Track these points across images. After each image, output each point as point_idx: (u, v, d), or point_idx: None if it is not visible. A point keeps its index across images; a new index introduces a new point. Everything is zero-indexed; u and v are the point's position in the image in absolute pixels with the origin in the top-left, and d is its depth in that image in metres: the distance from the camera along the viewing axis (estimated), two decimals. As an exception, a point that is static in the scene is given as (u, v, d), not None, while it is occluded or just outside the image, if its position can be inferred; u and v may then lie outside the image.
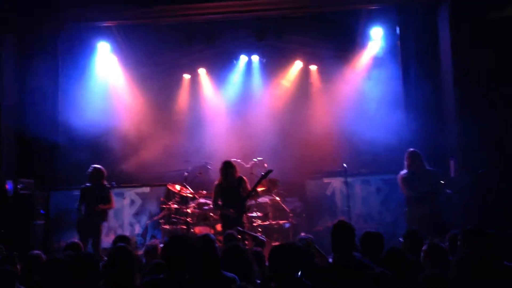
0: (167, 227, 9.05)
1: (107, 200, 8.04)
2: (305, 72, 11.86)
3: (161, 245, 6.79)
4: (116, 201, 9.55)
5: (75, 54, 10.32)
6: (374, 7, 10.00)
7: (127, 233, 9.13)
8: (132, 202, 9.58)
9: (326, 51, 11.12)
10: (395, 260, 3.73)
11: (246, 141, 10.94)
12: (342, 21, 10.58)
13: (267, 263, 5.21)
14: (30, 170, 9.33)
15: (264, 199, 9.29)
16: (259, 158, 9.50)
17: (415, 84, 9.40)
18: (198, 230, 8.53)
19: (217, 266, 3.80)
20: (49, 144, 9.39)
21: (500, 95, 8.10)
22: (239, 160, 9.13)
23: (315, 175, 9.75)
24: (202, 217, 8.90)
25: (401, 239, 5.40)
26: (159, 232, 9.09)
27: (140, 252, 6.25)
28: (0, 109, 8.95)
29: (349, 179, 8.46)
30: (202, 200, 9.09)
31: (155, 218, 9.31)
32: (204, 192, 9.35)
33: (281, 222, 9.18)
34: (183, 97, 12.03)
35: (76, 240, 6.12)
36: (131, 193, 9.61)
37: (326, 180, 9.50)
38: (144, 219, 9.48)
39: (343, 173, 8.39)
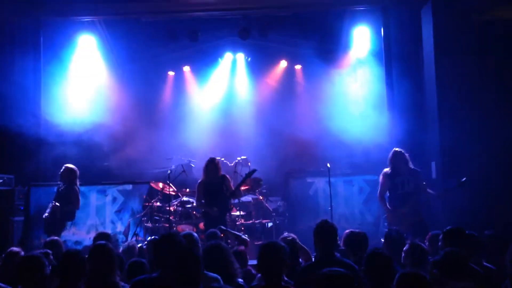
0: (149, 225, 9.00)
1: (68, 201, 7.88)
2: (289, 72, 11.90)
3: (140, 244, 6.79)
4: (98, 198, 9.49)
5: (58, 48, 10.19)
6: (358, 8, 10.07)
7: (109, 230, 9.05)
8: (114, 199, 9.50)
9: (311, 50, 11.17)
10: (378, 262, 3.75)
11: (230, 139, 10.94)
12: (327, 21, 10.64)
13: (249, 262, 5.24)
14: (10, 165, 9.19)
15: (247, 198, 9.30)
16: (242, 157, 9.51)
17: (398, 85, 9.47)
18: (180, 228, 8.49)
19: (198, 266, 3.78)
20: (30, 140, 9.26)
21: (482, 98, 8.20)
22: (222, 159, 9.13)
23: (298, 175, 9.77)
24: (184, 215, 8.88)
25: (382, 239, 5.44)
26: (141, 230, 9.03)
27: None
28: (-20, 103, 8.82)
29: (332, 179, 8.48)
30: (185, 198, 9.06)
31: (138, 216, 9.25)
32: (187, 190, 9.33)
33: (264, 221, 9.20)
34: (167, 94, 11.99)
35: (55, 238, 6.05)
36: (113, 190, 9.52)
37: (309, 180, 9.52)
38: (126, 217, 9.40)
39: (326, 173, 8.42)
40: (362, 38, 10.58)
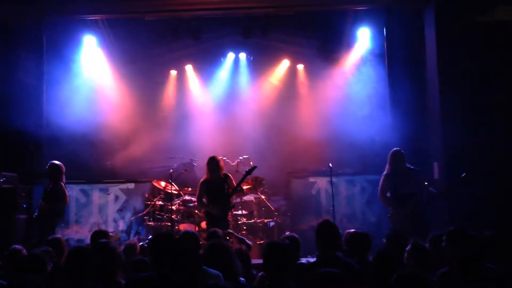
0: (151, 223, 9.01)
1: (56, 198, 7.84)
2: (292, 71, 11.88)
3: (141, 243, 6.79)
4: (100, 197, 9.51)
5: (61, 47, 10.21)
6: (361, 8, 10.06)
7: (110, 229, 9.08)
8: (117, 198, 9.52)
9: (313, 50, 11.16)
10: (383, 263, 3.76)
11: (232, 138, 10.93)
12: (330, 21, 10.63)
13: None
14: (13, 164, 9.21)
15: (249, 197, 9.30)
16: (245, 156, 9.51)
17: (400, 85, 9.46)
18: (182, 227, 8.50)
19: (197, 265, 3.78)
20: (33, 138, 9.29)
21: (484, 98, 8.19)
22: (224, 158, 9.12)
23: (301, 174, 9.78)
24: (186, 214, 8.89)
25: (384, 240, 5.44)
26: (143, 229, 9.06)
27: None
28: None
29: (334, 179, 8.51)
30: (187, 197, 9.07)
31: (140, 214, 9.27)
32: (189, 189, 9.34)
33: (266, 220, 9.21)
34: (169, 93, 11.98)
35: (57, 236, 6.06)
36: (115, 189, 9.55)
37: (311, 179, 9.53)
38: (129, 216, 9.43)
39: (329, 172, 8.43)
40: (364, 38, 10.57)
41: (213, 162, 7.63)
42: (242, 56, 11.88)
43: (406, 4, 9.44)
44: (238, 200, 8.61)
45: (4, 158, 9.28)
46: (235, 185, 7.67)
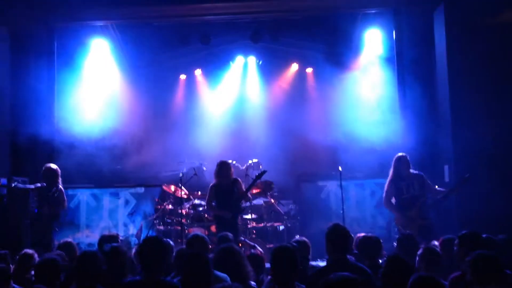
0: (161, 227, 9.04)
1: (57, 202, 7.82)
2: (301, 75, 11.89)
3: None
4: (110, 201, 9.56)
5: (72, 53, 10.29)
6: (370, 11, 10.03)
7: (121, 233, 9.11)
8: (127, 202, 9.56)
9: (322, 54, 11.16)
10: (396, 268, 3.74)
11: (242, 142, 10.95)
12: (338, 24, 10.61)
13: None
14: (25, 168, 9.27)
15: (258, 201, 9.29)
16: (254, 160, 9.51)
17: (410, 88, 9.42)
18: (192, 231, 8.51)
19: (208, 269, 3.78)
20: (44, 143, 9.34)
21: (495, 101, 8.13)
22: (234, 162, 9.14)
23: (310, 178, 9.77)
24: (196, 218, 8.91)
25: (394, 243, 5.42)
26: (153, 233, 9.07)
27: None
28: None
29: (344, 183, 8.46)
30: (196, 201, 9.09)
31: (150, 218, 9.29)
32: (199, 193, 9.35)
33: (275, 224, 9.19)
34: (179, 97, 12.04)
35: (69, 240, 6.09)
36: (125, 193, 9.60)
37: (321, 183, 9.51)
38: (139, 220, 9.46)
39: (338, 176, 8.40)
40: (373, 41, 10.54)
41: (222, 167, 7.65)
42: (251, 60, 11.91)
43: (415, 6, 9.40)
44: (248, 204, 8.60)
45: (16, 163, 9.35)
46: (244, 189, 7.67)
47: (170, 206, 9.15)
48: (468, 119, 8.10)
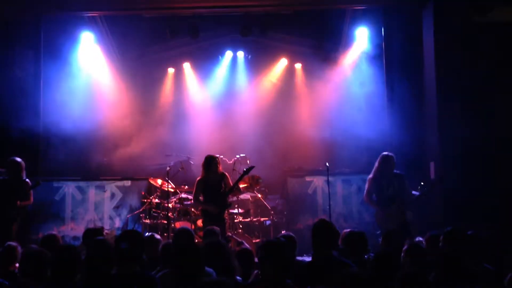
0: (147, 221, 9.00)
1: (26, 196, 7.68)
2: (290, 70, 11.89)
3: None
4: (96, 194, 9.49)
5: (59, 44, 10.15)
6: (359, 7, 10.05)
7: (107, 226, 9.07)
8: (113, 195, 9.50)
9: (311, 49, 11.17)
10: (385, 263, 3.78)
11: (229, 136, 10.93)
12: (328, 20, 10.63)
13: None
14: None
15: (245, 196, 9.30)
16: (241, 155, 9.50)
17: (398, 85, 9.48)
18: (178, 225, 8.49)
19: (198, 260, 3.78)
20: (29, 135, 9.23)
21: (482, 99, 8.21)
22: (221, 156, 9.10)
23: (297, 173, 9.78)
24: (183, 212, 8.88)
25: (379, 239, 5.45)
26: (139, 226, 9.04)
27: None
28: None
29: (331, 178, 8.50)
30: (183, 195, 9.06)
31: (136, 212, 9.25)
32: (186, 187, 9.32)
33: (262, 219, 9.20)
34: (167, 90, 11.98)
35: (53, 233, 6.04)
36: (111, 186, 9.53)
37: (308, 179, 9.53)
38: (125, 213, 9.40)
39: (325, 172, 8.43)
40: (362, 37, 10.57)
41: (210, 161, 7.63)
42: (240, 54, 11.88)
43: (404, 4, 9.44)
44: (235, 198, 8.60)
45: (1, 156, 9.22)
46: (231, 184, 7.67)
47: (157, 200, 9.11)
48: (454, 116, 8.17)
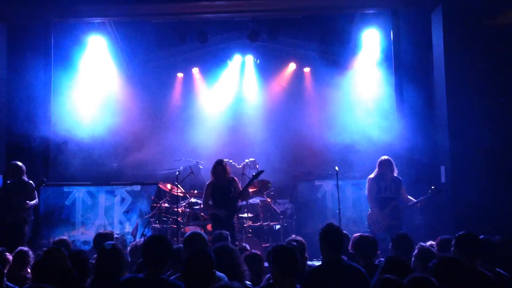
0: (157, 226, 9.02)
1: (32, 197, 7.90)
2: (298, 74, 11.90)
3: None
4: (106, 199, 9.54)
5: (69, 49, 10.25)
6: (368, 11, 10.04)
7: (116, 231, 9.10)
8: (123, 200, 9.54)
9: (320, 53, 11.17)
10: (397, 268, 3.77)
11: (238, 141, 10.96)
12: (336, 24, 10.62)
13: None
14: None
15: (255, 200, 9.30)
16: (251, 159, 9.51)
17: (407, 88, 9.42)
18: (188, 229, 8.50)
19: (211, 265, 3.78)
20: (40, 141, 9.31)
21: (492, 102, 8.15)
22: (231, 161, 9.14)
23: (307, 177, 9.76)
24: (192, 217, 8.89)
25: (390, 244, 5.41)
26: (149, 231, 9.05)
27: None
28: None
29: (340, 182, 8.46)
30: (193, 200, 9.07)
31: (146, 216, 9.28)
32: (195, 191, 9.34)
33: (271, 223, 9.19)
34: (176, 95, 12.03)
35: (64, 237, 6.08)
36: (121, 191, 9.56)
37: (317, 183, 9.50)
38: (135, 218, 9.43)
39: (334, 176, 8.40)
40: (371, 41, 10.54)
41: (219, 166, 7.63)
42: (249, 59, 11.91)
43: (413, 6, 9.40)
44: (244, 203, 8.60)
45: (11, 160, 9.29)
46: (241, 188, 7.66)
47: (166, 204, 9.13)
48: (465, 120, 8.11)
